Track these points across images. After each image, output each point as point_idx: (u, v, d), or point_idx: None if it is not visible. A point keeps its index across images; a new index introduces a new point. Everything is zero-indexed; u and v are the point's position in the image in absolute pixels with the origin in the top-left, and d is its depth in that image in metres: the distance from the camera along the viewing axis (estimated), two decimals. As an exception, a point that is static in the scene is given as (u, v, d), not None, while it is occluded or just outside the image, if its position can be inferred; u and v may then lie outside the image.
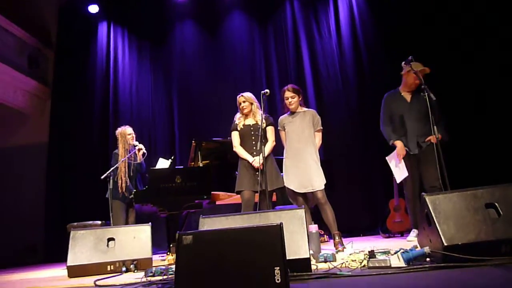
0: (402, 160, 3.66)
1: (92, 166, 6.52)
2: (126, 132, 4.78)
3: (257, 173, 3.55)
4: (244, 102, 3.81)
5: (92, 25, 7.52)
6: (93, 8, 7.43)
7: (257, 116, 3.76)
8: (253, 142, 3.71)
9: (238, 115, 3.89)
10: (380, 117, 3.92)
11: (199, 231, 2.01)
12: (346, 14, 6.64)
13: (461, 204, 2.14)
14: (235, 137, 3.83)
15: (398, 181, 3.78)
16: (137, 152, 4.69)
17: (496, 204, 2.11)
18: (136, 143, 4.73)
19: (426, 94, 3.16)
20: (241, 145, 3.78)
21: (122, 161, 4.55)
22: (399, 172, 3.71)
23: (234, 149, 3.82)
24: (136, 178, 4.77)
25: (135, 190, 4.28)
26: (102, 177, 4.37)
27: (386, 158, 3.84)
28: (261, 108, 3.72)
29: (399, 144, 3.69)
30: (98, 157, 6.72)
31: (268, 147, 3.71)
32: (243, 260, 1.77)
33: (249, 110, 3.81)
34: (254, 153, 3.66)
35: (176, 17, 7.41)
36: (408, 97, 3.71)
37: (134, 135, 4.82)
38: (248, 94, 3.84)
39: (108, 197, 4.49)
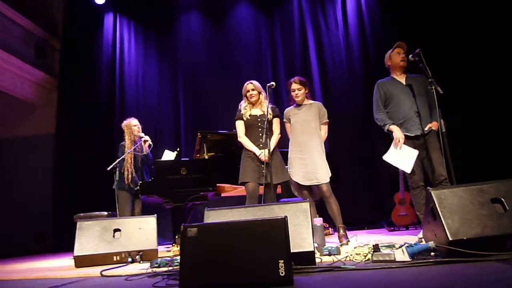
0: (404, 145, 3.37)
1: (99, 156, 6.56)
2: (131, 123, 4.79)
3: (262, 165, 3.50)
4: (253, 90, 3.72)
5: (99, 16, 7.54)
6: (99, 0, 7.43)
7: (264, 107, 3.68)
8: (260, 134, 3.63)
9: (243, 103, 3.78)
10: (373, 105, 3.66)
11: (204, 224, 2.02)
12: (353, 5, 6.58)
13: (467, 198, 2.13)
14: (240, 126, 3.73)
15: (408, 170, 3.36)
16: (143, 143, 4.71)
17: (502, 199, 2.10)
18: (142, 134, 4.75)
19: (433, 87, 3.11)
20: (246, 135, 3.70)
21: (128, 153, 4.58)
22: (406, 160, 3.35)
23: (239, 139, 3.73)
24: (143, 169, 4.80)
25: (141, 182, 4.30)
26: (109, 168, 4.41)
27: (384, 158, 3.47)
28: (267, 100, 3.69)
29: (395, 128, 3.42)
30: (104, 148, 6.76)
31: (274, 140, 3.67)
32: (247, 253, 1.78)
33: (257, 99, 3.73)
34: (260, 145, 3.59)
35: (182, 7, 7.39)
36: (402, 79, 3.56)
37: (140, 126, 4.84)
38: (256, 83, 3.77)
39: (114, 188, 4.53)
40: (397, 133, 3.40)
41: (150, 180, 4.33)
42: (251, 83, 3.76)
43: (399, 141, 3.36)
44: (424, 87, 3.38)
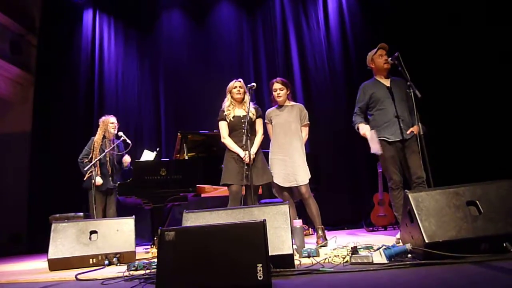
0: (375, 136, 3.44)
1: (76, 155, 6.40)
2: (109, 120, 4.76)
3: (245, 167, 3.45)
4: (240, 87, 3.68)
5: (77, 12, 7.38)
6: (79, -5, 7.27)
7: (247, 107, 3.60)
8: (243, 135, 3.53)
9: (227, 103, 3.72)
10: (355, 106, 3.70)
11: (181, 227, 1.99)
12: (335, 6, 6.64)
13: (443, 201, 2.16)
14: (223, 127, 3.68)
15: (376, 152, 3.44)
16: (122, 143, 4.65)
17: (477, 202, 2.14)
18: (121, 133, 4.66)
19: (411, 91, 3.15)
20: (229, 136, 3.66)
21: (106, 152, 4.50)
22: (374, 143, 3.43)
23: (222, 140, 3.68)
24: (120, 169, 4.73)
25: (119, 182, 4.23)
26: (86, 168, 4.34)
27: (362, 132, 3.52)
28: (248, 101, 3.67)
29: (361, 125, 3.52)
30: (81, 147, 6.58)
31: (258, 140, 3.66)
32: (225, 256, 1.76)
33: (242, 97, 3.69)
34: (244, 146, 3.52)
35: (164, 5, 7.32)
36: (386, 82, 3.59)
37: (117, 125, 4.77)
38: (243, 83, 3.74)
39: (84, 187, 4.51)
40: (363, 129, 3.48)
41: (128, 180, 4.25)
42: (239, 81, 3.73)
43: (365, 134, 3.45)
44: (405, 91, 3.40)
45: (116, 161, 4.70)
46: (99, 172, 4.51)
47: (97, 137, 4.69)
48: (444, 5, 5.65)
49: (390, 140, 3.46)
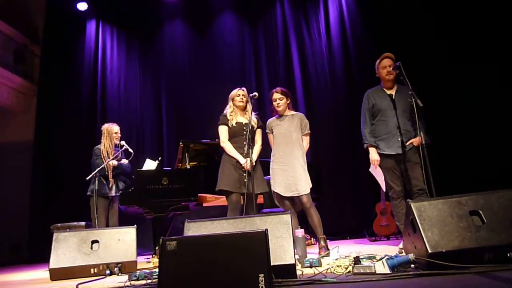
0: (379, 168, 3.53)
1: (78, 165, 6.43)
2: (113, 130, 4.73)
3: (244, 174, 3.46)
4: (243, 95, 3.71)
5: (81, 23, 7.42)
6: (82, 6, 7.31)
7: (250, 115, 3.62)
8: (244, 143, 3.54)
9: (229, 109, 3.71)
10: (361, 115, 3.73)
11: (183, 237, 1.99)
12: (336, 15, 6.68)
13: (446, 211, 2.15)
14: (223, 131, 3.66)
15: (384, 189, 3.62)
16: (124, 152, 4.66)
17: (480, 211, 2.13)
18: (123, 143, 4.67)
19: (413, 100, 3.16)
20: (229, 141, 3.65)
21: (108, 162, 4.50)
22: (382, 177, 3.56)
23: (222, 144, 3.65)
24: (119, 178, 4.74)
25: (120, 191, 4.23)
26: (88, 178, 4.34)
27: (370, 170, 3.63)
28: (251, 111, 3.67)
29: (372, 150, 3.56)
30: (84, 156, 6.60)
31: (257, 150, 3.67)
32: (227, 266, 1.75)
33: (245, 105, 3.71)
34: (244, 153, 3.52)
35: (166, 16, 7.36)
36: (391, 92, 3.59)
37: (119, 135, 4.78)
38: (246, 91, 3.77)
39: (89, 194, 4.49)
40: (373, 155, 3.55)
41: (129, 190, 4.24)
42: (243, 89, 3.76)
43: (374, 164, 3.53)
44: (408, 100, 3.37)
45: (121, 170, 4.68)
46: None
47: (107, 145, 4.65)
48: (447, 14, 5.68)
49: (391, 153, 3.48)
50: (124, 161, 4.72)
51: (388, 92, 3.61)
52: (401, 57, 3.45)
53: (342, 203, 6.02)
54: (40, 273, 4.08)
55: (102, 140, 4.70)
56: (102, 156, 4.59)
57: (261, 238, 1.79)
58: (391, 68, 3.45)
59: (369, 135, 3.61)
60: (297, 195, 3.54)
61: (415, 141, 3.38)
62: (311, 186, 3.59)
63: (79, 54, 7.34)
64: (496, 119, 5.21)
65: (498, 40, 5.34)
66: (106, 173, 4.53)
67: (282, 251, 2.27)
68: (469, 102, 5.33)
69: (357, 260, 2.29)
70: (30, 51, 7.69)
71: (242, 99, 3.70)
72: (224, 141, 3.66)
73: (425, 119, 3.38)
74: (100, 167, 4.39)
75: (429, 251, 2.00)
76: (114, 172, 4.60)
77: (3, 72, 7.01)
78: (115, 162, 4.60)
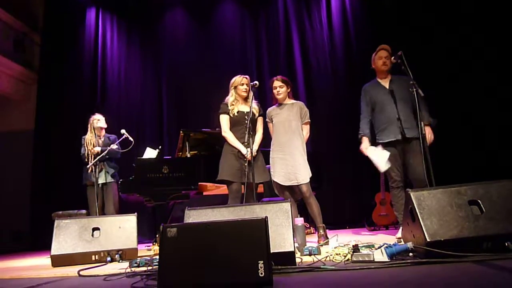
0: (378, 147, 3.51)
1: (79, 153, 6.42)
2: (94, 117, 4.84)
3: (245, 164, 3.46)
4: (247, 84, 3.66)
5: (81, 11, 7.36)
6: (82, -7, 7.28)
7: (251, 104, 3.58)
8: (245, 132, 3.50)
9: (231, 98, 3.67)
10: (360, 109, 3.76)
11: (183, 224, 2.00)
12: (338, 6, 6.63)
13: (445, 200, 2.16)
14: (224, 120, 3.64)
15: (381, 170, 3.53)
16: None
17: (479, 201, 2.15)
18: (123, 131, 4.65)
19: (414, 90, 3.15)
20: (231, 131, 3.63)
21: (109, 148, 4.52)
22: (380, 159, 3.45)
23: (223, 133, 3.64)
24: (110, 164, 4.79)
25: (121, 180, 4.24)
26: (89, 165, 4.36)
27: (367, 153, 3.59)
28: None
29: (364, 140, 3.61)
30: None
31: (258, 139, 3.67)
32: (227, 253, 1.76)
33: (247, 94, 3.68)
34: (245, 143, 3.50)
35: (167, 4, 7.32)
36: (386, 83, 3.61)
37: (101, 119, 4.83)
38: (249, 79, 3.72)
39: (84, 183, 4.61)
40: (363, 144, 3.62)
41: (130, 178, 4.25)
42: (247, 77, 3.70)
43: (363, 152, 3.61)
44: (408, 89, 3.38)
45: (109, 156, 4.68)
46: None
47: (87, 135, 4.77)
48: (449, 5, 5.64)
49: (386, 141, 3.48)
50: (113, 146, 4.69)
51: (383, 83, 3.64)
52: (403, 48, 3.44)
53: (342, 193, 6.04)
54: (42, 260, 4.12)
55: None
56: (86, 145, 4.68)
57: (261, 225, 1.80)
58: (393, 58, 3.44)
59: (365, 127, 3.65)
60: (297, 184, 3.55)
61: (428, 138, 3.36)
62: (310, 175, 3.59)
63: (79, 41, 7.29)
64: (498, 109, 5.20)
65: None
66: (88, 160, 4.56)
67: (281, 239, 2.29)
68: (473, 92, 5.32)
69: (355, 249, 2.30)
70: (30, 39, 7.64)
71: (246, 89, 3.66)
72: (226, 130, 3.65)
73: (426, 101, 3.38)
74: (100, 155, 4.42)
75: (428, 240, 2.02)
76: (100, 158, 4.57)
77: (2, 60, 6.97)
78: (98, 149, 4.62)
